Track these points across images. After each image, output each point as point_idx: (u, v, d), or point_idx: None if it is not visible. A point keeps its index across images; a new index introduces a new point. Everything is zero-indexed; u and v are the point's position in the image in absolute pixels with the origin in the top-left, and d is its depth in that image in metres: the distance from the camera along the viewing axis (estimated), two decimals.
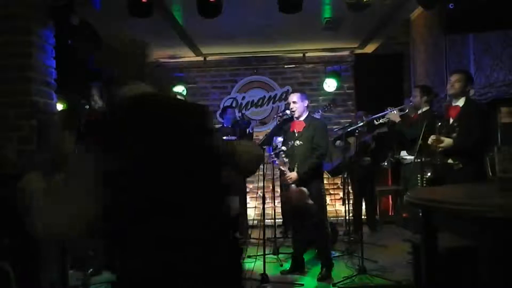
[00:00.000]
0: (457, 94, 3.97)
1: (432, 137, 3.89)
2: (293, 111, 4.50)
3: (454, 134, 3.89)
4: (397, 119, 4.81)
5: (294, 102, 4.49)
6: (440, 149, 3.87)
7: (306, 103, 4.53)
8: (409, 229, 4.70)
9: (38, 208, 1.26)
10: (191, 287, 1.33)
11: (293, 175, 4.35)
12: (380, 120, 5.17)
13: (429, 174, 4.18)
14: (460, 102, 3.96)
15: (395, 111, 4.89)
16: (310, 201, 4.30)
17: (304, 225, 4.52)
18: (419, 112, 4.68)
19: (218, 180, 1.47)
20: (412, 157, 4.31)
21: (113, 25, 4.70)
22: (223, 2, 4.71)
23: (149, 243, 1.30)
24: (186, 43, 7.00)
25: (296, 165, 4.37)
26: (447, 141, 3.85)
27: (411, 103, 4.91)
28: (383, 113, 5.02)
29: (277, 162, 4.46)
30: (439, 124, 3.96)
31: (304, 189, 4.34)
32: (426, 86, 5.11)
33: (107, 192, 1.28)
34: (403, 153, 4.88)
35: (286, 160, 4.39)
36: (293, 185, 4.36)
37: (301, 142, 4.44)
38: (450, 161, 3.90)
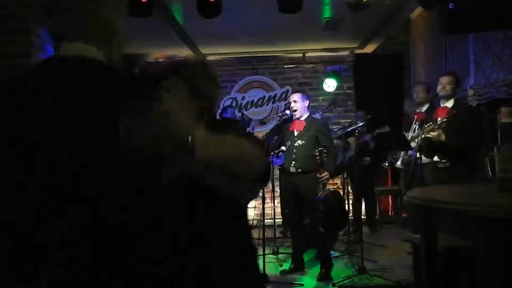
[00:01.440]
0: (448, 95, 4.08)
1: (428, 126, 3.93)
2: (294, 110, 4.51)
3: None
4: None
5: (295, 101, 4.50)
6: (427, 135, 3.88)
7: (307, 103, 4.55)
8: (409, 229, 4.70)
9: None
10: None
11: (327, 173, 4.31)
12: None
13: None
14: (449, 103, 4.06)
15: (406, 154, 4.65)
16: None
17: (303, 224, 4.52)
18: (423, 109, 4.68)
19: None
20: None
21: None
22: (223, 2, 4.71)
23: None
24: (186, 43, 6.99)
25: (293, 164, 4.41)
26: (440, 135, 3.86)
27: (406, 105, 4.93)
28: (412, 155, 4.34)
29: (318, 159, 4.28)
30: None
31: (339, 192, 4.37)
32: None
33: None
34: (411, 153, 4.87)
35: (325, 160, 4.28)
36: (326, 187, 4.33)
37: (302, 141, 4.45)
38: (436, 158, 3.95)
